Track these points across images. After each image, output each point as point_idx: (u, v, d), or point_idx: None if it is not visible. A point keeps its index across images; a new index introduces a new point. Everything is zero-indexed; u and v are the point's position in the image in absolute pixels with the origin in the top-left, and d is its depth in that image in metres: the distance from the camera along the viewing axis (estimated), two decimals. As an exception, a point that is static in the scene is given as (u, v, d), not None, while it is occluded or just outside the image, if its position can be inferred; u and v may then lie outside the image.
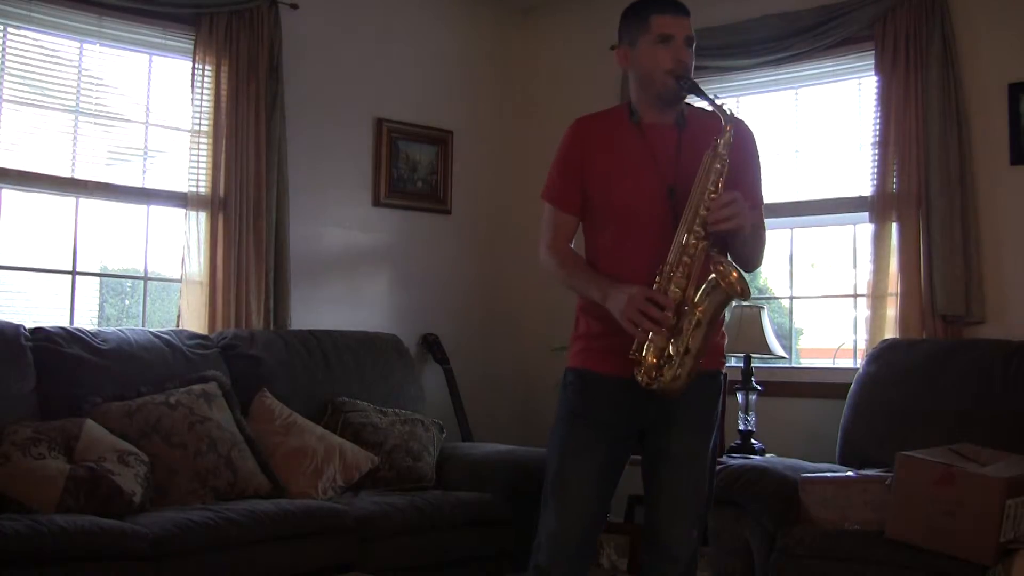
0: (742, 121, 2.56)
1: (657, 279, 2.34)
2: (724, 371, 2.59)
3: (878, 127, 4.32)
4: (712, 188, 2.33)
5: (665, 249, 2.36)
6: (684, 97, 2.48)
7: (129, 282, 4.53)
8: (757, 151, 2.58)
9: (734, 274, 2.28)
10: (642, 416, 2.49)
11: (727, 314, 4.74)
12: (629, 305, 2.31)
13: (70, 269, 4.14)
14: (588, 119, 2.60)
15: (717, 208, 2.30)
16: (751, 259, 2.58)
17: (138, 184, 4.32)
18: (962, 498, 2.95)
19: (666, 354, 2.30)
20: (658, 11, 2.46)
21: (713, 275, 2.28)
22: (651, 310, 2.28)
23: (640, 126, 2.50)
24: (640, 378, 2.33)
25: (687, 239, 2.33)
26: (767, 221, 4.99)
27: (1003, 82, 4.10)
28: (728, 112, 2.38)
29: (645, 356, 2.32)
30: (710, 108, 2.40)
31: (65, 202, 4.12)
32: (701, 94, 2.40)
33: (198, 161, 4.30)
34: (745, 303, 4.72)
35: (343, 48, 4.91)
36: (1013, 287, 4.07)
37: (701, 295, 2.31)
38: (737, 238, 2.42)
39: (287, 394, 4.05)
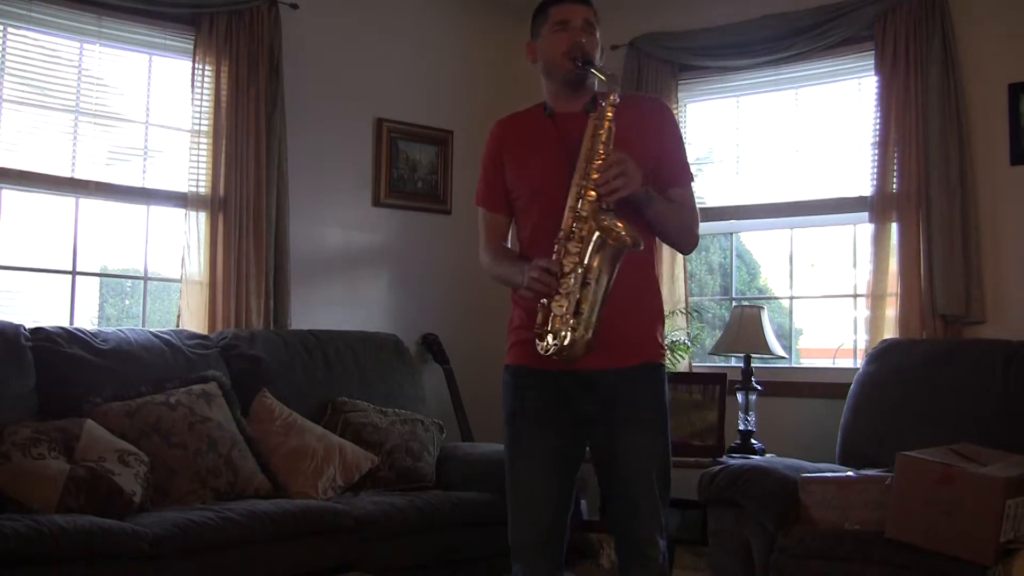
0: (655, 99, 2.61)
1: (556, 247, 2.35)
2: (662, 362, 2.55)
3: (878, 127, 4.32)
4: (600, 150, 2.35)
5: None
6: (583, 78, 2.50)
7: (129, 282, 4.52)
8: (675, 126, 2.62)
9: (619, 225, 2.27)
10: (580, 407, 2.47)
11: (727, 314, 4.74)
12: (527, 275, 2.35)
13: (70, 269, 4.14)
14: (505, 119, 2.70)
15: (606, 169, 2.31)
16: (675, 237, 2.58)
17: (138, 184, 4.32)
18: (962, 498, 2.95)
19: (561, 319, 2.30)
20: (555, 2, 2.54)
21: (598, 232, 2.28)
22: (544, 275, 2.31)
23: (553, 117, 2.55)
24: (543, 348, 2.34)
25: (579, 204, 2.34)
26: (766, 221, 5.02)
27: (1003, 82, 4.10)
28: (611, 74, 2.40)
29: (549, 327, 2.33)
30: (625, 92, 2.45)
31: (65, 202, 4.12)
32: (594, 69, 2.43)
33: (198, 161, 4.30)
34: (745, 303, 4.72)
35: (343, 48, 4.91)
36: (1013, 287, 4.07)
37: (590, 255, 2.30)
38: (647, 212, 2.42)
39: (287, 394, 4.05)
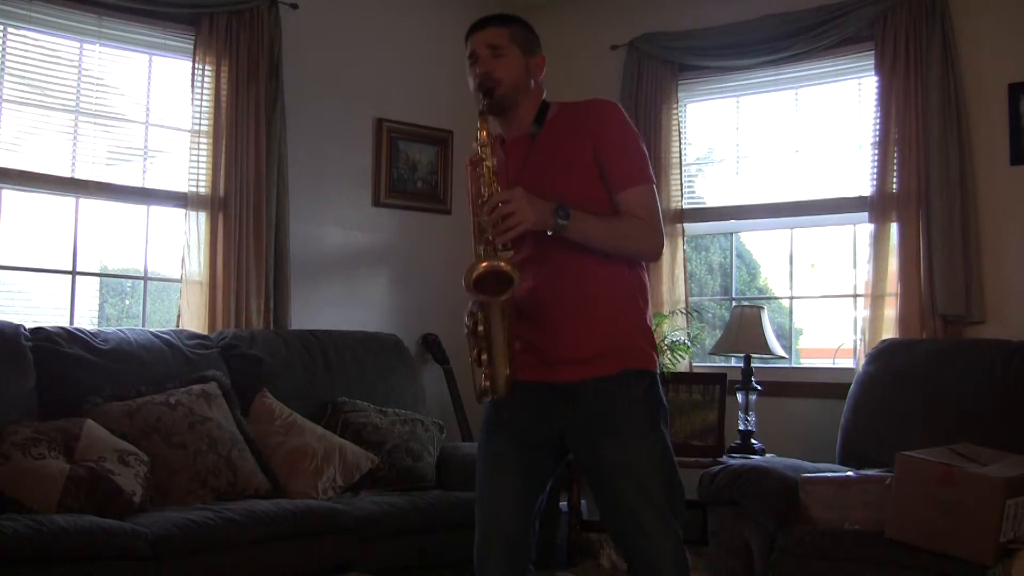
0: (602, 99, 2.47)
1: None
2: (651, 368, 2.42)
3: (878, 127, 4.33)
4: (484, 192, 2.25)
5: (531, 260, 2.37)
6: (496, 110, 2.41)
7: (129, 282, 4.52)
8: (618, 123, 2.42)
9: (470, 277, 2.18)
10: (558, 421, 2.40)
11: (727, 314, 4.74)
12: None
13: (70, 269, 4.14)
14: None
15: (489, 211, 2.20)
16: (620, 252, 2.39)
17: (138, 184, 4.32)
18: (962, 498, 2.95)
19: (480, 366, 2.33)
20: (467, 34, 2.49)
21: (463, 283, 2.21)
22: (467, 320, 2.33)
23: (504, 145, 2.48)
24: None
25: (481, 250, 2.26)
26: (766, 221, 5.01)
27: (1003, 82, 4.11)
28: (539, 117, 2.36)
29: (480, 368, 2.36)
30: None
31: (65, 202, 4.12)
32: (491, 109, 2.37)
33: (198, 161, 4.30)
34: (745, 303, 4.72)
35: (343, 48, 4.91)
36: (1013, 287, 4.07)
37: (474, 304, 2.30)
38: (569, 236, 2.28)
39: (287, 394, 4.05)
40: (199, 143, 4.31)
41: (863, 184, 4.44)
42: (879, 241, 4.29)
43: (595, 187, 2.38)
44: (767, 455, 4.15)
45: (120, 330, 3.85)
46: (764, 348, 4.29)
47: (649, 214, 2.38)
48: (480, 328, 2.28)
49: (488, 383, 2.31)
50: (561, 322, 2.37)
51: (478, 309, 2.27)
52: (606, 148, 2.38)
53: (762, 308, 4.38)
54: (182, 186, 4.30)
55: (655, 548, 2.33)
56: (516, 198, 2.20)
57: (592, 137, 2.38)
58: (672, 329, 4.69)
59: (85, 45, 4.15)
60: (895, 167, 4.26)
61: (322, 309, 4.76)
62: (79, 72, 4.14)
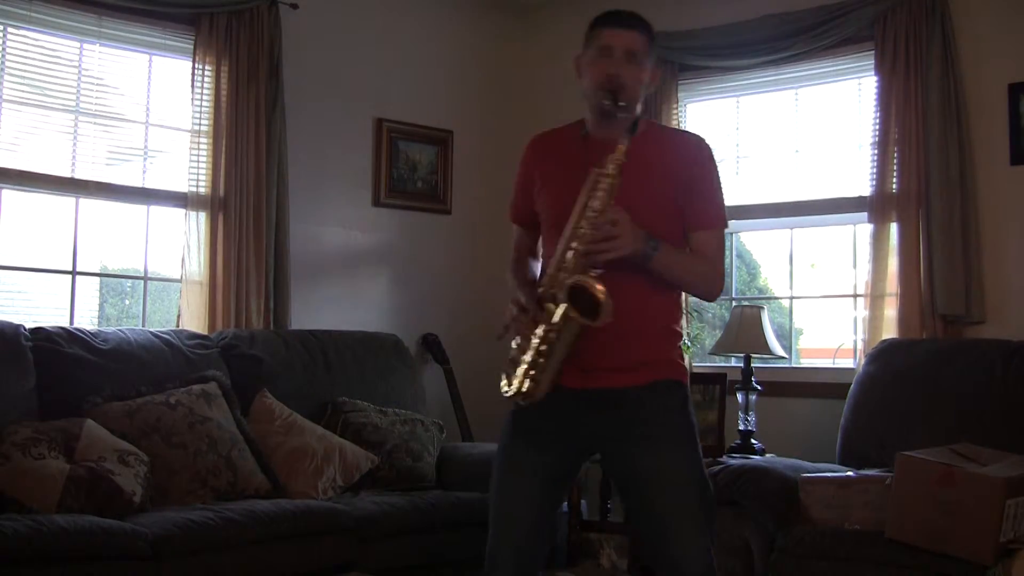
0: (694, 135, 2.52)
1: (540, 290, 2.31)
2: (683, 380, 2.46)
3: (878, 127, 4.32)
4: (595, 206, 2.24)
5: None
6: (612, 112, 2.38)
7: (129, 282, 4.53)
8: (709, 165, 2.46)
9: (574, 311, 2.18)
10: (588, 429, 2.40)
11: (727, 314, 4.74)
12: (511, 304, 2.32)
13: (70, 269, 4.14)
14: (541, 136, 2.61)
15: (596, 228, 2.22)
16: (687, 288, 2.48)
17: (138, 184, 4.32)
18: (962, 498, 2.95)
19: (526, 368, 2.27)
20: (603, 24, 2.44)
21: (562, 299, 2.20)
22: (520, 315, 2.29)
23: (586, 139, 2.47)
24: (502, 384, 2.32)
25: (567, 256, 2.26)
26: (766, 221, 5.00)
27: (1003, 82, 4.10)
28: (632, 129, 2.28)
29: (513, 368, 2.30)
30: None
31: (65, 202, 4.12)
32: (623, 112, 2.34)
33: (198, 161, 4.30)
34: (745, 303, 4.72)
35: (343, 48, 4.91)
36: (1013, 287, 4.07)
37: (559, 315, 2.24)
38: (649, 267, 2.31)
39: (287, 394, 4.05)
40: (199, 143, 4.31)
41: (863, 184, 4.43)
42: (879, 241, 4.28)
43: (674, 223, 2.42)
44: (767, 455, 4.15)
45: (120, 330, 3.85)
46: (764, 348, 4.29)
47: (718, 258, 2.47)
48: (550, 335, 2.24)
49: (531, 386, 2.27)
50: (615, 336, 2.32)
51: (564, 322, 2.22)
52: (693, 188, 2.42)
53: (762, 308, 4.38)
54: (182, 186, 4.30)
55: (687, 556, 2.34)
56: (623, 223, 2.23)
57: (681, 175, 2.41)
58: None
59: (85, 45, 4.15)
60: (895, 167, 4.26)
61: (322, 309, 4.76)
62: (79, 72, 4.14)
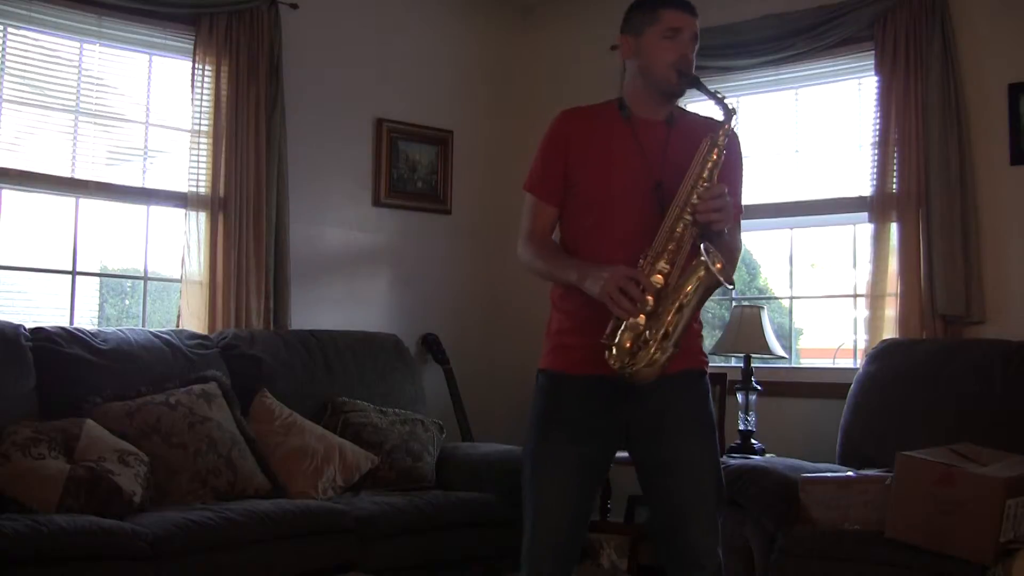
0: (732, 131, 2.54)
1: (641, 262, 2.30)
2: (707, 370, 2.53)
3: (878, 127, 4.32)
4: (706, 176, 2.32)
5: (643, 242, 2.32)
6: (683, 92, 2.48)
7: (129, 282, 4.53)
8: (742, 164, 2.56)
9: (718, 265, 2.23)
10: (621, 417, 2.42)
11: (727, 314, 4.74)
12: (610, 282, 2.23)
13: (70, 269, 4.14)
14: (574, 112, 2.57)
15: (709, 198, 2.27)
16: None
17: (138, 184, 4.32)
18: (962, 498, 2.95)
19: (642, 338, 2.23)
20: (669, 6, 2.45)
21: (704, 257, 2.22)
22: (632, 287, 2.22)
23: (630, 121, 2.47)
24: (612, 362, 2.25)
25: (675, 225, 2.31)
26: (766, 221, 5.02)
27: (1003, 82, 4.10)
28: (730, 107, 2.38)
29: (619, 340, 2.25)
30: (707, 106, 2.41)
31: (65, 202, 4.13)
32: (703, 88, 2.39)
33: (198, 161, 4.30)
34: (745, 303, 4.72)
35: (343, 48, 4.91)
36: (1013, 287, 4.07)
37: (686, 278, 2.25)
38: (717, 241, 2.37)
39: (287, 394, 4.05)
40: (199, 143, 4.31)
41: (863, 184, 4.43)
42: (879, 241, 4.28)
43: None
44: (767, 455, 4.15)
45: (120, 330, 3.85)
46: (764, 348, 4.29)
47: (739, 249, 2.57)
48: (684, 307, 2.24)
49: (655, 360, 2.23)
50: None
51: (693, 289, 2.24)
52: (735, 176, 2.49)
53: (762, 308, 4.38)
54: (182, 186, 4.30)
55: (703, 545, 2.38)
56: (726, 196, 2.29)
57: (730, 166, 2.45)
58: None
59: (85, 45, 4.15)
60: (895, 167, 4.26)
61: (322, 309, 4.76)
62: (79, 72, 4.14)
